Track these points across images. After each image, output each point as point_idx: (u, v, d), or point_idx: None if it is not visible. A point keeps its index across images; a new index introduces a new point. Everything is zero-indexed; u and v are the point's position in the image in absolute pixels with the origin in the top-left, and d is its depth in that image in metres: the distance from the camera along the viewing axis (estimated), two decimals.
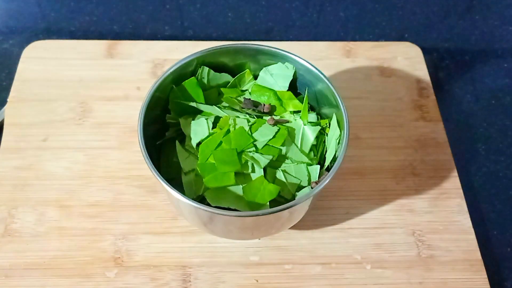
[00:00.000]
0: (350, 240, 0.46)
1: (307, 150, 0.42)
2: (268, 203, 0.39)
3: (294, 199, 0.38)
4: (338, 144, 0.40)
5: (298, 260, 0.45)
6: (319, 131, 0.42)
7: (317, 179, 0.41)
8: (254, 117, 0.42)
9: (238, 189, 0.39)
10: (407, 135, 0.52)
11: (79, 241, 0.45)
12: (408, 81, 0.56)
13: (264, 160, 0.40)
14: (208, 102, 0.43)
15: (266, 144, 0.40)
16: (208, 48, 0.43)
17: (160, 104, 0.43)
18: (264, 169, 0.40)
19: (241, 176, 0.40)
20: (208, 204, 0.38)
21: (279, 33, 0.63)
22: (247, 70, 0.45)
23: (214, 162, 0.39)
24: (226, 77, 0.45)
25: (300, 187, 0.41)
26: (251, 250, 0.45)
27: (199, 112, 0.43)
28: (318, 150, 0.42)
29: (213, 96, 0.44)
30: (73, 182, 0.48)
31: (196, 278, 0.43)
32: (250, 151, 0.40)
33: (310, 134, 0.42)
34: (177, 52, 0.57)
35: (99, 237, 0.45)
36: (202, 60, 0.43)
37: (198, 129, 0.42)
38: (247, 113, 0.42)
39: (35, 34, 0.61)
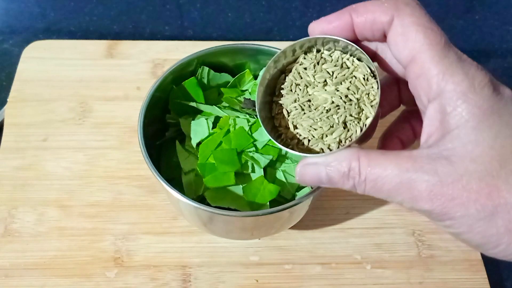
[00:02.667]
0: (350, 240, 0.46)
1: None
2: (268, 203, 0.39)
3: (294, 199, 0.38)
4: None
5: (298, 260, 0.45)
6: None
7: None
8: (254, 117, 0.42)
9: (238, 189, 0.39)
10: None
11: (79, 241, 0.45)
12: None
13: (264, 160, 0.40)
14: (208, 102, 0.43)
15: (266, 144, 0.40)
16: (208, 48, 0.43)
17: (160, 104, 0.43)
18: (264, 169, 0.40)
19: (241, 176, 0.40)
20: (208, 204, 0.38)
21: (279, 33, 0.63)
22: (247, 70, 0.45)
23: (214, 162, 0.39)
24: (226, 77, 0.45)
25: (300, 187, 0.41)
26: (251, 250, 0.45)
27: (199, 112, 0.43)
28: None
29: (213, 96, 0.44)
30: (73, 182, 0.48)
31: (196, 278, 0.43)
32: (250, 151, 0.40)
33: None
34: (177, 52, 0.57)
35: (99, 237, 0.45)
36: (202, 60, 0.43)
37: (198, 129, 0.42)
38: (247, 113, 0.42)
39: (35, 34, 0.61)
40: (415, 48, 0.25)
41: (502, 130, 0.23)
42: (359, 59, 0.31)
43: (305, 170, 0.28)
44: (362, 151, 0.26)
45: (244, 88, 0.45)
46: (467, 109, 0.23)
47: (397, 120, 0.35)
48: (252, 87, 0.44)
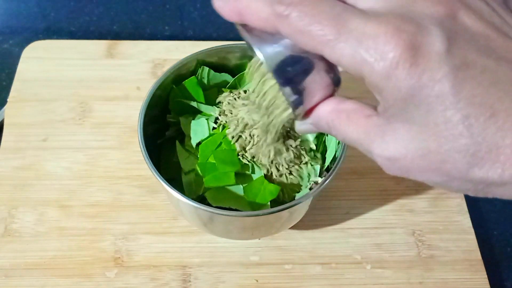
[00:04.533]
0: (350, 240, 0.46)
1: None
2: (268, 203, 0.39)
3: (294, 199, 0.38)
4: (338, 144, 0.40)
5: (298, 260, 0.45)
6: None
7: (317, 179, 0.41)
8: None
9: (239, 189, 0.39)
10: None
11: (79, 241, 0.45)
12: None
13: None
14: (208, 102, 0.43)
15: None
16: (208, 48, 0.43)
17: (160, 104, 0.43)
18: None
19: (242, 176, 0.40)
20: (208, 204, 0.38)
21: None
22: (247, 70, 0.45)
23: (214, 162, 0.39)
24: (226, 77, 0.45)
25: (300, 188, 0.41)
26: (251, 250, 0.45)
27: (199, 112, 0.43)
28: (318, 150, 0.42)
29: (214, 96, 0.44)
30: (73, 182, 0.48)
31: (196, 278, 0.43)
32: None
33: (310, 135, 0.42)
34: (177, 52, 0.57)
35: (99, 237, 0.45)
36: (202, 60, 0.43)
37: (198, 129, 0.42)
38: None
39: (35, 34, 0.61)
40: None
41: (432, 107, 0.21)
42: None
43: (301, 128, 0.28)
44: (334, 112, 0.26)
45: (244, 88, 0.45)
46: (388, 94, 0.21)
47: None
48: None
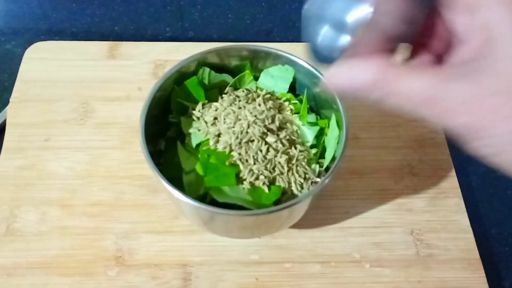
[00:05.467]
0: (349, 239, 0.46)
1: None
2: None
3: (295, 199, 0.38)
4: (337, 144, 0.41)
5: (298, 259, 0.45)
6: (318, 131, 0.43)
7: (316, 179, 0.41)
8: None
9: (240, 189, 0.39)
10: (405, 135, 0.53)
11: (81, 240, 0.45)
12: None
13: None
14: (209, 102, 0.44)
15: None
16: (209, 49, 0.43)
17: (161, 104, 0.43)
18: None
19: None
20: (209, 204, 0.38)
21: (279, 34, 0.63)
22: (248, 70, 0.45)
23: (215, 162, 0.39)
24: (226, 77, 0.45)
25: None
26: (251, 249, 0.45)
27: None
28: (317, 150, 0.43)
29: (215, 96, 0.44)
30: (75, 181, 0.48)
31: (196, 276, 0.44)
32: None
33: (309, 135, 0.43)
34: (178, 53, 0.57)
35: (100, 236, 0.45)
36: (203, 61, 0.43)
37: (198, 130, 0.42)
38: None
39: (37, 35, 0.61)
40: None
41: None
42: None
43: (341, 78, 0.24)
44: (392, 65, 0.22)
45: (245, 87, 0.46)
46: None
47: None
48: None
